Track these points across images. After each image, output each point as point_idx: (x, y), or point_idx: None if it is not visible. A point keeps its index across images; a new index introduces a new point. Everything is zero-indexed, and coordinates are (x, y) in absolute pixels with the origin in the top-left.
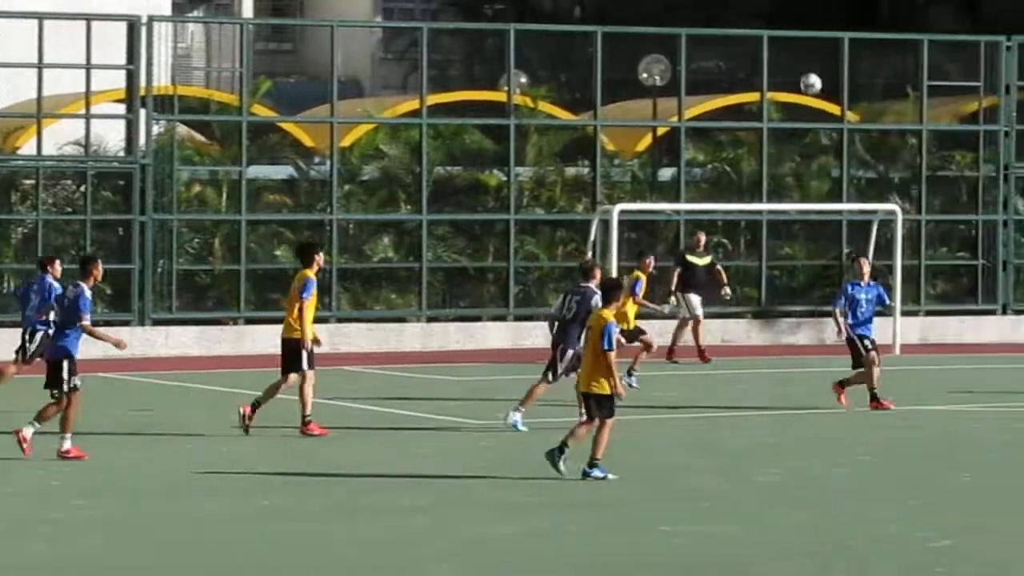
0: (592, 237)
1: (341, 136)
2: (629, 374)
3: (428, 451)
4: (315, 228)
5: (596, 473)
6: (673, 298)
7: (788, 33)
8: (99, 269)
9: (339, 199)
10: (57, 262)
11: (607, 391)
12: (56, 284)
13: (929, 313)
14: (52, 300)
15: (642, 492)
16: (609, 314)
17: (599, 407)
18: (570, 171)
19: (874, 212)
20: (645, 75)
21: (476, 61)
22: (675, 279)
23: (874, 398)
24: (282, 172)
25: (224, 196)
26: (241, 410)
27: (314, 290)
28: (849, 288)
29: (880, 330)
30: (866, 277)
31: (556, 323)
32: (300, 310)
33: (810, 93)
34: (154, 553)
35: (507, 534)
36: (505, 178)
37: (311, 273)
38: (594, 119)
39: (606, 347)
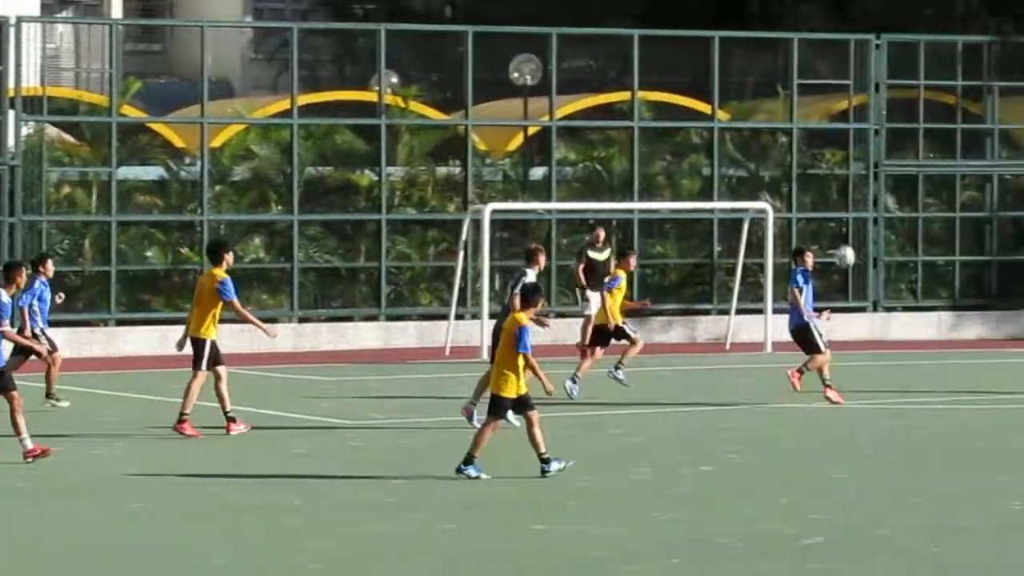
0: (464, 237)
1: (211, 137)
2: (617, 368)
3: (301, 451)
4: (186, 229)
5: (553, 467)
6: (584, 294)
7: (659, 32)
8: (23, 276)
9: (210, 200)
10: (49, 262)
11: (514, 393)
12: (45, 285)
13: None
14: (43, 301)
15: (515, 491)
16: (523, 317)
17: (499, 408)
18: (441, 171)
19: (745, 210)
20: (516, 74)
21: (347, 61)
22: (580, 275)
23: (827, 386)
24: (152, 173)
25: (94, 197)
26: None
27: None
28: (804, 278)
29: (754, 328)
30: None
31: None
32: (236, 311)
33: (843, 266)
34: (20, 560)
35: (380, 533)
36: (376, 178)
37: (224, 273)
38: (465, 119)
39: (520, 350)
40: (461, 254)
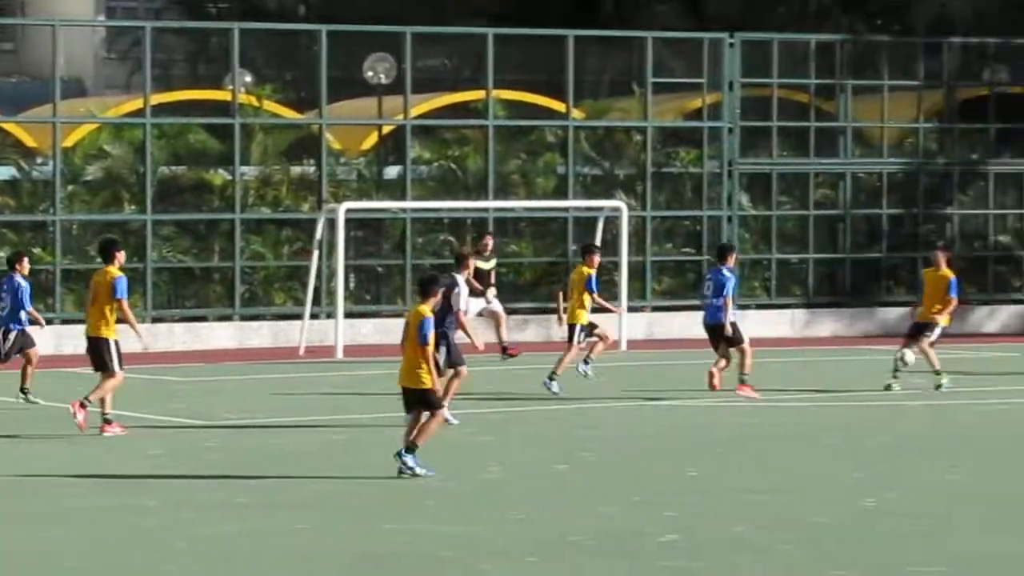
0: (319, 236)
1: (64, 136)
2: (585, 362)
3: (156, 452)
4: (38, 229)
5: (408, 460)
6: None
7: (513, 31)
8: None
9: (62, 200)
10: (26, 260)
11: (427, 385)
12: (24, 283)
13: (655, 309)
14: (21, 299)
15: (370, 491)
16: (426, 309)
17: (418, 402)
18: (296, 170)
19: (600, 209)
20: (370, 73)
21: (200, 60)
22: (473, 282)
23: (743, 383)
24: (4, 173)
25: None
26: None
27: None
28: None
29: (608, 326)
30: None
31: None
32: (121, 310)
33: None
34: None
35: (234, 533)
36: (230, 177)
37: (118, 271)
38: (319, 118)
39: (422, 342)
40: (316, 253)
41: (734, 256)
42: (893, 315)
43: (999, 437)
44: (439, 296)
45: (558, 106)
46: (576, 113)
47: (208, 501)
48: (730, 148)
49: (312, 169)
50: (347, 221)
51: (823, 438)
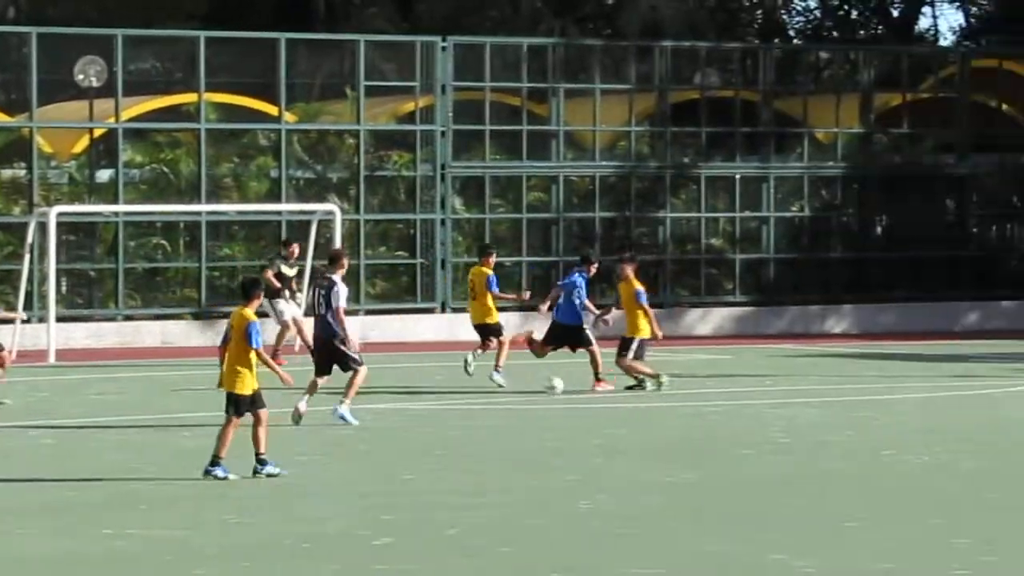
0: (30, 239)
1: None
2: (496, 370)
3: None
4: None
5: (268, 470)
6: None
7: (224, 34)
8: None
9: None
10: None
11: (250, 390)
12: None
13: (369, 312)
14: None
15: (89, 496)
16: (250, 312)
17: (239, 405)
18: (7, 173)
19: (313, 212)
20: (81, 76)
21: None
22: (273, 281)
23: (599, 379)
24: None
25: None
26: None
27: None
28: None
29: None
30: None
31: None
32: None
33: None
34: None
35: None
36: None
37: None
38: (30, 120)
39: (252, 345)
40: (27, 257)
41: (590, 266)
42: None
43: (711, 439)
44: (261, 299)
45: (270, 109)
46: (288, 116)
47: None
48: (443, 151)
49: (23, 172)
50: (59, 225)
51: (539, 440)
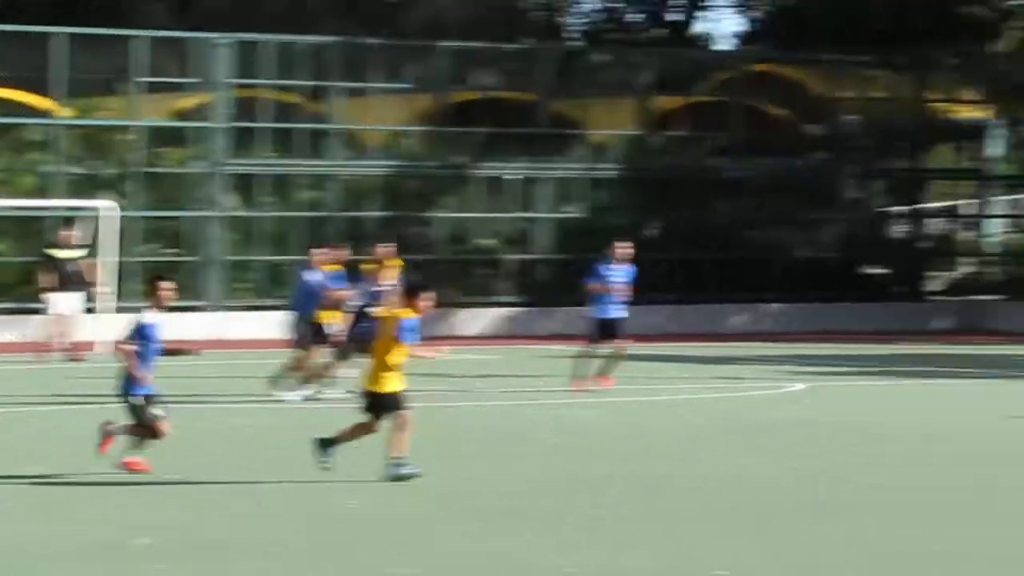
0: None
1: None
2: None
3: None
4: None
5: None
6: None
7: None
8: None
9: None
10: None
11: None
12: None
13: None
14: None
15: None
16: (407, 312)
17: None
18: None
19: (84, 209)
20: None
21: None
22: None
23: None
24: None
25: None
26: None
27: None
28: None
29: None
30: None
31: None
32: None
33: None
34: None
35: None
36: None
37: None
38: None
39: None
40: None
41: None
42: None
43: (473, 440)
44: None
45: (44, 103)
46: (64, 111)
47: None
48: (219, 148)
49: None
50: None
51: (282, 441)
